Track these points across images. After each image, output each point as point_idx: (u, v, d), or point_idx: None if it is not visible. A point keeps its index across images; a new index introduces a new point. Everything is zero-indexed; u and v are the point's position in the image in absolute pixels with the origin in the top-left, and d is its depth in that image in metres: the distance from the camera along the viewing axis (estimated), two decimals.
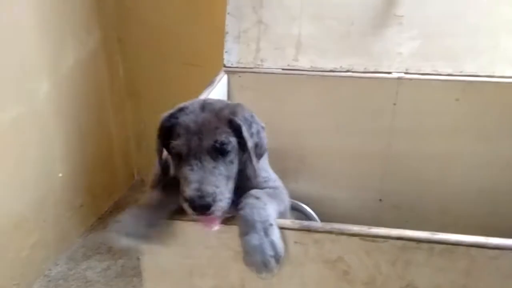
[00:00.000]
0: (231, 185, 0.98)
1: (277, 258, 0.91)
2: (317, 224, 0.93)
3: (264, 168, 1.16)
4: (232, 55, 1.81)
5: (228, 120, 1.00)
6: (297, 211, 1.89)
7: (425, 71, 1.71)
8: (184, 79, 2.41)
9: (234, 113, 1.03)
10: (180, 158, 0.98)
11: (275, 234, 0.92)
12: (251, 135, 1.03)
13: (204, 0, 2.32)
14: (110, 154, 2.32)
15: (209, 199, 0.89)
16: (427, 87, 1.71)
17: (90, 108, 2.26)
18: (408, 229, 1.84)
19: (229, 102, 1.20)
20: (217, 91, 1.67)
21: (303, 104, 1.78)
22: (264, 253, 0.90)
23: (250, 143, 1.01)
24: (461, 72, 1.69)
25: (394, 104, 1.74)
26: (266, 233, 0.92)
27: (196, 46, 2.39)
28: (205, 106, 1.04)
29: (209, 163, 0.95)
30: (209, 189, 0.91)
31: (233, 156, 1.00)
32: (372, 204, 1.91)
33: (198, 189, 0.90)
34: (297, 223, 0.93)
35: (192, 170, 0.94)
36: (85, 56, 2.19)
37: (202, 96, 1.48)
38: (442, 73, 1.70)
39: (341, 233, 0.90)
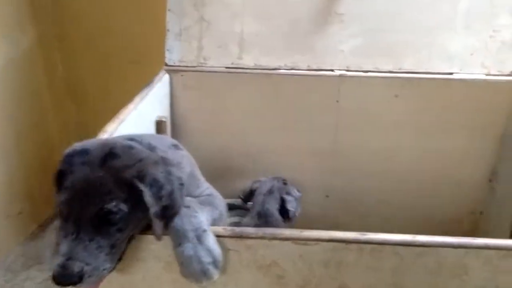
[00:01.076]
0: (116, 254, 0.86)
1: (216, 264, 0.89)
2: (249, 229, 0.91)
3: (195, 177, 1.12)
4: (174, 53, 1.76)
5: (129, 183, 0.85)
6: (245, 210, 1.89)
7: (366, 68, 1.74)
8: (128, 78, 2.31)
9: (141, 174, 0.87)
10: (61, 218, 0.84)
11: (210, 240, 0.90)
12: (160, 198, 0.87)
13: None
14: (50, 158, 2.20)
15: (74, 279, 0.79)
16: (368, 84, 1.73)
17: (27, 110, 2.13)
18: (354, 223, 1.91)
19: (144, 155, 0.92)
20: (158, 91, 1.61)
21: (247, 102, 1.76)
22: (201, 262, 0.87)
23: (153, 209, 0.86)
24: (400, 68, 1.73)
25: (337, 101, 1.75)
26: (200, 240, 0.89)
27: (140, 43, 2.30)
28: (107, 159, 0.86)
29: (86, 234, 0.81)
30: (76, 267, 0.79)
31: (123, 224, 0.85)
32: (319, 201, 1.93)
33: (63, 265, 0.79)
34: (229, 229, 0.91)
35: (65, 238, 0.81)
36: (19, 56, 2.06)
37: (138, 97, 1.41)
38: (382, 70, 1.74)
39: (274, 237, 0.89)
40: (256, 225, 1.49)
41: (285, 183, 1.67)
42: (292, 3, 1.74)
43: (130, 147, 0.91)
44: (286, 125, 1.79)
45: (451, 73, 1.72)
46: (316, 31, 1.75)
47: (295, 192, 1.66)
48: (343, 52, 1.74)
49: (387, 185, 1.86)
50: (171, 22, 1.76)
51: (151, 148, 0.96)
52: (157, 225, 0.87)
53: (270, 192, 1.61)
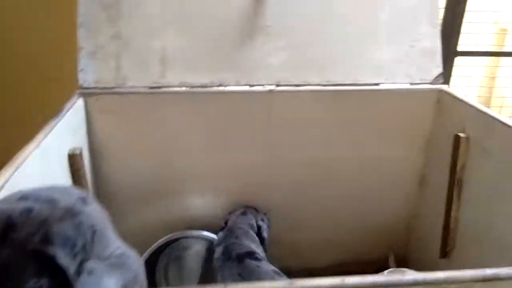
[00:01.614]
0: None
1: None
2: None
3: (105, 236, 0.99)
4: (89, 73, 1.60)
5: (37, 254, 0.74)
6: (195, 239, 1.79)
7: (295, 82, 1.70)
8: (46, 97, 2.11)
9: (47, 238, 0.75)
10: None
11: None
12: (74, 256, 0.78)
13: (62, 7, 2.05)
14: None
15: None
16: (298, 98, 1.70)
17: None
18: (295, 238, 1.88)
19: (46, 214, 0.79)
20: (71, 119, 1.45)
21: (174, 124, 1.65)
22: None
23: (71, 271, 0.76)
24: (328, 81, 1.72)
25: (268, 117, 1.70)
26: None
27: (57, 59, 2.11)
28: (8, 233, 0.73)
29: None
30: None
31: None
32: None
33: None
34: None
35: None
36: None
37: (43, 132, 1.24)
38: (311, 83, 1.71)
39: None
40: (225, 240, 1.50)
41: (257, 211, 1.75)
42: (216, 16, 1.66)
43: (29, 210, 0.77)
44: (217, 145, 1.71)
45: (377, 84, 1.74)
46: (243, 45, 1.68)
47: (267, 221, 1.72)
48: (272, 66, 1.69)
49: (325, 198, 1.85)
50: (84, 38, 1.60)
51: (53, 202, 0.83)
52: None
53: (243, 213, 1.68)
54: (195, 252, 1.81)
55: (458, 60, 2.28)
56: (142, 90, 1.62)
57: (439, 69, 1.76)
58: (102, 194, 1.69)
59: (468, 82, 3.21)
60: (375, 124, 1.76)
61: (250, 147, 1.73)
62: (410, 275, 0.84)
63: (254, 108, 1.68)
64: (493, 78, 4.26)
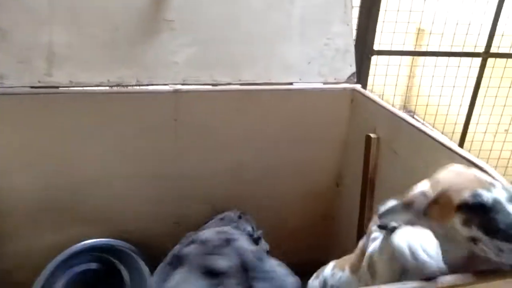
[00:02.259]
0: None
1: None
2: None
3: None
4: None
5: None
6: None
7: (203, 81, 1.58)
8: None
9: None
10: None
11: None
12: None
13: None
14: None
15: None
16: (207, 98, 1.58)
17: None
18: None
19: None
20: None
21: (63, 128, 1.46)
22: None
23: None
24: (239, 80, 1.62)
25: (175, 119, 1.56)
26: None
27: None
28: None
29: None
30: None
31: None
32: (169, 228, 1.72)
33: None
34: None
35: None
36: None
37: None
38: (221, 83, 1.60)
39: None
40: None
41: (240, 217, 1.59)
42: (110, 8, 1.48)
43: None
44: (118, 150, 1.54)
45: (291, 83, 1.67)
46: (144, 41, 1.52)
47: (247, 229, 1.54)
48: (177, 64, 1.56)
49: (240, 199, 1.74)
50: None
51: None
52: None
53: (221, 219, 1.55)
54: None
55: (376, 59, 2.30)
56: (24, 90, 1.41)
57: (352, 69, 1.73)
58: None
59: (385, 81, 3.29)
60: (289, 124, 1.69)
61: (157, 152, 1.58)
62: None
63: (159, 109, 1.53)
64: (413, 77, 4.47)
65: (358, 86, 1.70)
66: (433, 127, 3.85)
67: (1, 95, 1.37)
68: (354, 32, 2.14)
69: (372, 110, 1.57)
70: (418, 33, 4.36)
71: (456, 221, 0.90)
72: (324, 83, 1.70)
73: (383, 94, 4.32)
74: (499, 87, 2.68)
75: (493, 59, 2.51)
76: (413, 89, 4.44)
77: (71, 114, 1.45)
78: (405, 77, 4.24)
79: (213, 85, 1.59)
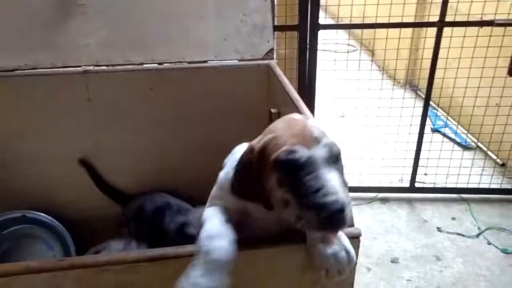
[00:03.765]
0: None
1: None
2: None
3: None
4: None
5: None
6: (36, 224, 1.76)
7: (116, 62, 1.64)
8: None
9: None
10: None
11: None
12: None
13: None
14: None
15: None
16: (119, 78, 1.65)
17: None
18: None
19: None
20: None
21: None
22: None
23: None
24: (152, 60, 1.66)
25: (89, 99, 1.65)
26: None
27: None
28: None
29: None
30: None
31: None
32: (98, 202, 1.83)
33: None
34: None
35: None
36: None
37: None
38: (134, 63, 1.66)
39: None
40: None
41: None
42: None
43: None
44: (39, 131, 1.65)
45: (205, 61, 1.69)
46: (57, 25, 1.61)
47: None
48: (90, 46, 1.63)
49: (161, 180, 1.81)
50: None
51: None
52: None
53: None
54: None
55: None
56: None
57: (270, 45, 1.72)
58: None
59: (385, 55, 3.17)
60: (207, 102, 1.72)
61: (75, 132, 1.68)
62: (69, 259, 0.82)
63: (72, 90, 1.62)
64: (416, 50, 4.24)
65: (272, 62, 1.69)
66: (438, 102, 3.68)
67: None
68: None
69: (277, 87, 1.56)
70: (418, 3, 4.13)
71: (273, 180, 0.82)
72: (240, 60, 1.71)
73: (386, 69, 4.17)
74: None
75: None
76: (418, 63, 4.26)
77: None
78: (408, 50, 4.07)
79: (126, 65, 1.65)
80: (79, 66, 1.63)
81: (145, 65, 1.66)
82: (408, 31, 3.94)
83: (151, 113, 1.70)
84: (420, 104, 2.50)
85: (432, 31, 2.40)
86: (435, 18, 2.60)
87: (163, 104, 1.69)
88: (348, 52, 3.16)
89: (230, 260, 0.80)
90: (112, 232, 1.80)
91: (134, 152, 1.75)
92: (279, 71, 1.60)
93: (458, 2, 2.35)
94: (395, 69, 4.10)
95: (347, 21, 2.61)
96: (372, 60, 4.50)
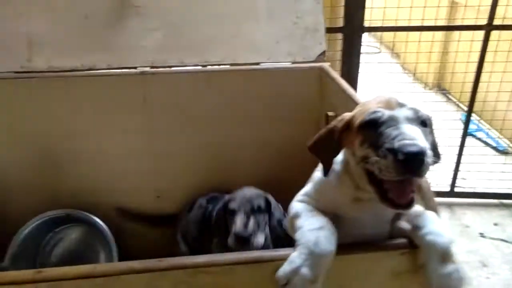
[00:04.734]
0: None
1: None
2: None
3: None
4: None
5: None
6: (82, 223, 1.78)
7: (171, 63, 1.66)
8: None
9: None
10: None
11: None
12: None
13: None
14: None
15: None
16: (174, 80, 1.66)
17: None
18: None
19: None
20: None
21: (46, 110, 1.62)
22: None
23: None
24: (206, 62, 1.67)
25: (144, 100, 1.66)
26: None
27: None
28: None
29: None
30: None
31: None
32: (151, 201, 1.85)
33: None
34: None
35: None
36: None
37: None
38: (188, 64, 1.67)
39: None
40: None
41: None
42: None
43: None
44: (93, 130, 1.68)
45: (258, 63, 1.70)
46: (113, 26, 1.63)
47: None
48: (145, 48, 1.64)
49: (212, 180, 1.82)
50: None
51: None
52: None
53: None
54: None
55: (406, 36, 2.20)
56: (8, 75, 1.57)
57: (322, 47, 1.72)
58: None
59: (417, 59, 3.15)
60: (260, 104, 1.73)
61: (129, 132, 1.69)
62: (166, 260, 0.82)
63: (129, 91, 1.64)
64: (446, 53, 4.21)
65: (325, 65, 1.69)
66: (470, 105, 3.63)
67: None
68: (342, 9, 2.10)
69: (333, 88, 1.56)
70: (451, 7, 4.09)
71: (356, 143, 0.86)
72: (293, 63, 1.71)
73: (415, 72, 4.12)
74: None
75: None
76: (446, 66, 4.22)
77: (49, 97, 1.60)
78: (437, 53, 4.03)
79: (180, 66, 1.66)
80: (135, 68, 1.65)
81: (199, 67, 1.67)
82: (438, 34, 3.91)
83: (203, 114, 1.71)
84: (451, 107, 2.46)
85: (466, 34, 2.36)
86: (467, 22, 2.60)
87: (216, 105, 1.70)
88: (370, 53, 3.12)
89: (334, 252, 0.82)
90: (156, 234, 1.83)
91: (185, 153, 1.76)
92: (334, 74, 1.60)
93: (507, 5, 2.31)
94: (427, 72, 4.12)
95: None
96: (399, 63, 4.49)
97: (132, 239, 1.80)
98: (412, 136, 0.77)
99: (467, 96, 3.03)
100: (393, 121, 0.81)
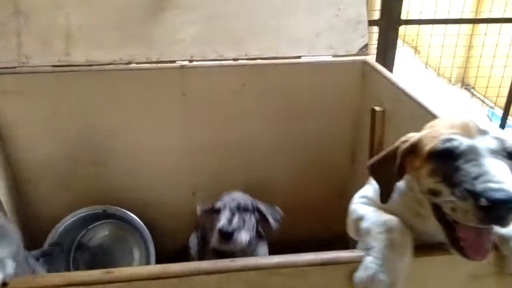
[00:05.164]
0: None
1: None
2: None
3: None
4: None
5: None
6: (118, 220, 1.76)
7: (210, 57, 1.62)
8: None
9: None
10: None
11: None
12: None
13: None
14: None
15: None
16: (213, 74, 1.62)
17: None
18: None
19: None
20: None
21: (83, 103, 1.59)
22: None
23: None
24: (245, 55, 1.63)
25: (183, 94, 1.63)
26: None
27: None
28: None
29: None
30: None
31: None
32: (186, 198, 1.82)
33: None
34: None
35: None
36: None
37: None
38: (227, 58, 1.63)
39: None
40: None
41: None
42: None
43: None
44: (132, 125, 1.64)
45: (298, 57, 1.65)
46: (151, 19, 1.59)
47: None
48: (184, 41, 1.60)
49: (249, 176, 1.78)
50: None
51: None
52: None
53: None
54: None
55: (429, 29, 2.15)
56: (46, 69, 1.55)
57: (364, 40, 1.66)
58: (19, 179, 1.66)
59: (441, 53, 3.09)
60: (299, 99, 1.68)
61: (165, 126, 1.66)
62: (240, 260, 0.79)
63: (167, 85, 1.60)
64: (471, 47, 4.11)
65: (368, 58, 1.64)
66: (496, 101, 3.56)
67: (26, 73, 1.53)
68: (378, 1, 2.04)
69: (380, 83, 1.51)
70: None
71: (424, 172, 0.75)
72: (334, 56, 1.66)
73: (439, 67, 4.04)
74: None
75: None
76: (471, 60, 4.13)
77: (88, 90, 1.57)
78: (462, 47, 3.94)
79: (219, 60, 1.62)
80: (174, 61, 1.61)
81: (238, 61, 1.63)
82: (463, 28, 3.82)
83: (241, 109, 1.67)
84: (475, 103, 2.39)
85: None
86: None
87: (254, 100, 1.66)
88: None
89: (410, 255, 0.77)
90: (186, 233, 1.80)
91: (221, 148, 1.73)
92: (380, 67, 1.55)
93: None
94: (452, 67, 4.03)
95: None
96: (420, 58, 4.40)
97: (163, 238, 1.78)
98: (499, 178, 0.65)
99: (493, 92, 2.95)
100: (473, 154, 0.70)
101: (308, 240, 1.94)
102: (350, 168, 1.85)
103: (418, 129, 1.26)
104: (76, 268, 1.74)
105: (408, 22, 2.12)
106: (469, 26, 3.93)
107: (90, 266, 1.77)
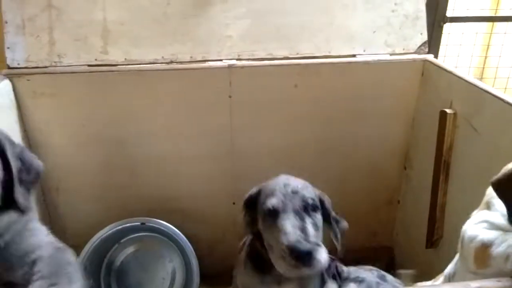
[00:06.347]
0: None
1: None
2: None
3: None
4: (18, 51, 1.38)
5: None
6: (156, 233, 1.62)
7: (258, 56, 1.49)
8: None
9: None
10: None
11: None
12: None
13: None
14: None
15: None
16: (263, 74, 1.49)
17: None
18: None
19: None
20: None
21: (121, 106, 1.45)
22: None
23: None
24: (297, 54, 1.50)
25: (230, 96, 1.49)
26: None
27: None
28: None
29: None
30: None
31: None
32: (226, 208, 1.68)
33: None
34: None
35: None
36: None
37: None
38: (277, 57, 1.50)
39: None
40: None
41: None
42: None
43: None
44: (173, 129, 1.51)
45: (353, 55, 1.53)
46: (196, 14, 1.46)
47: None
48: (231, 38, 1.48)
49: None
50: (9, 11, 1.38)
51: None
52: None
53: None
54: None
55: (447, 27, 2.06)
56: (81, 68, 1.40)
57: (423, 37, 1.55)
58: (47, 188, 1.51)
59: (459, 51, 2.99)
60: (353, 100, 1.56)
61: (211, 131, 1.53)
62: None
63: (213, 86, 1.47)
64: (487, 46, 4.04)
65: (430, 57, 1.52)
66: None
67: (59, 74, 1.38)
68: None
69: (448, 82, 1.39)
70: None
71: None
72: (391, 54, 1.54)
73: (456, 67, 3.95)
74: None
75: None
76: (488, 60, 4.06)
77: (126, 92, 1.44)
78: (480, 46, 3.86)
79: (269, 59, 1.49)
80: (220, 60, 1.48)
81: (290, 60, 1.50)
82: (482, 26, 3.74)
83: (291, 111, 1.54)
84: None
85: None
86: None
87: (306, 102, 1.53)
88: None
89: None
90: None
91: (268, 153, 1.59)
92: (446, 66, 1.43)
93: None
94: (469, 67, 3.95)
95: None
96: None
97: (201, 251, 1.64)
98: None
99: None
100: None
101: (351, 249, 1.82)
102: (401, 174, 1.73)
103: (500, 131, 1.16)
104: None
105: (453, 19, 2.02)
106: (489, 24, 3.85)
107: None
